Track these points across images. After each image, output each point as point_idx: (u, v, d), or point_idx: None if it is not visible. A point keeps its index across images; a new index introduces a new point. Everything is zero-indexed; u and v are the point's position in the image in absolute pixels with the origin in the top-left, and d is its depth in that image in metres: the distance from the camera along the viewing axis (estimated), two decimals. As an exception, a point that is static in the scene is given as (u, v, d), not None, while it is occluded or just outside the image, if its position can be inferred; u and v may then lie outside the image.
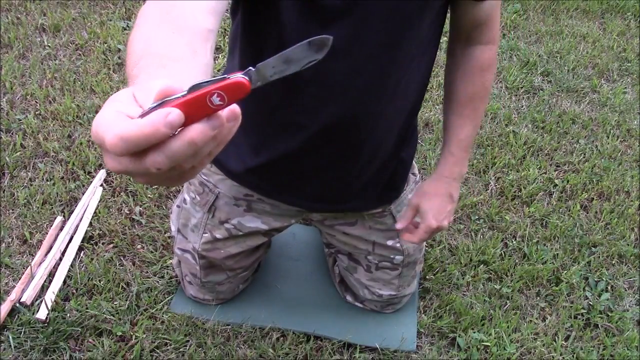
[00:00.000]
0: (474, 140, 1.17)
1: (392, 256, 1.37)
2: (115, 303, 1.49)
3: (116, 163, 0.40)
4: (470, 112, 1.14)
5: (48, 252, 1.58)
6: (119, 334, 1.43)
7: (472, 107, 1.13)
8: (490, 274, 1.71)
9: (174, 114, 0.38)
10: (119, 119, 0.40)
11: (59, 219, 1.66)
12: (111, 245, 1.63)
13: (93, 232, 1.65)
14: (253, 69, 0.42)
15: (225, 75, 0.40)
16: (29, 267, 1.52)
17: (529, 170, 2.06)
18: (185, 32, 0.56)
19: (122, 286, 1.53)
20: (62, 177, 1.80)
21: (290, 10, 0.89)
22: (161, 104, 0.40)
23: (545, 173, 2.08)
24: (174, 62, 0.51)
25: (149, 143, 0.38)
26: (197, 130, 0.39)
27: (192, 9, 0.60)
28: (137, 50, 0.53)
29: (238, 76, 0.40)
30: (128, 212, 1.73)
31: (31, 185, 1.76)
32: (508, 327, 1.57)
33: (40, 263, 1.55)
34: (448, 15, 1.06)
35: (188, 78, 0.49)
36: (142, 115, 0.40)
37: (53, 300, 1.46)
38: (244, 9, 0.95)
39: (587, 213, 1.97)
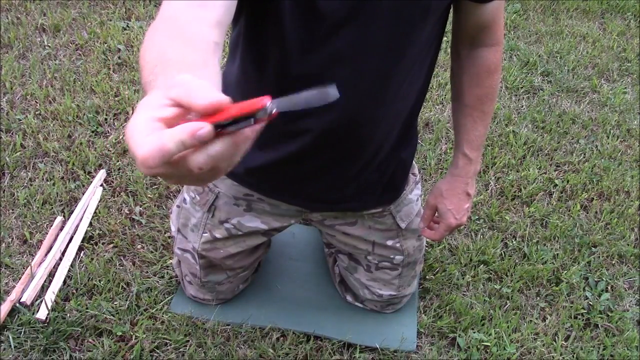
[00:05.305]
0: (486, 138, 1.18)
1: (392, 256, 1.37)
2: (115, 303, 1.49)
3: (149, 170, 0.42)
4: (479, 113, 1.14)
5: (48, 252, 1.58)
6: (119, 334, 1.43)
7: (481, 109, 1.14)
8: (490, 274, 1.71)
9: (205, 130, 0.41)
10: (148, 131, 0.41)
11: (59, 219, 1.66)
12: (111, 245, 1.63)
13: (93, 232, 1.65)
14: (278, 101, 0.46)
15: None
16: (29, 267, 1.52)
17: (529, 170, 2.06)
18: (194, 45, 0.59)
19: (122, 286, 1.53)
20: (62, 177, 1.80)
21: (293, 18, 0.88)
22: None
23: (545, 173, 2.08)
24: (189, 67, 0.54)
25: (178, 153, 0.41)
26: (245, 134, 0.43)
27: (199, 23, 0.62)
28: (151, 60, 0.55)
29: (266, 101, 0.44)
30: (128, 212, 1.73)
31: (31, 185, 1.76)
32: (508, 327, 1.57)
33: (40, 263, 1.55)
34: (449, 16, 1.06)
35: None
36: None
37: (53, 300, 1.46)
38: (247, 16, 0.95)
39: (587, 213, 1.97)
